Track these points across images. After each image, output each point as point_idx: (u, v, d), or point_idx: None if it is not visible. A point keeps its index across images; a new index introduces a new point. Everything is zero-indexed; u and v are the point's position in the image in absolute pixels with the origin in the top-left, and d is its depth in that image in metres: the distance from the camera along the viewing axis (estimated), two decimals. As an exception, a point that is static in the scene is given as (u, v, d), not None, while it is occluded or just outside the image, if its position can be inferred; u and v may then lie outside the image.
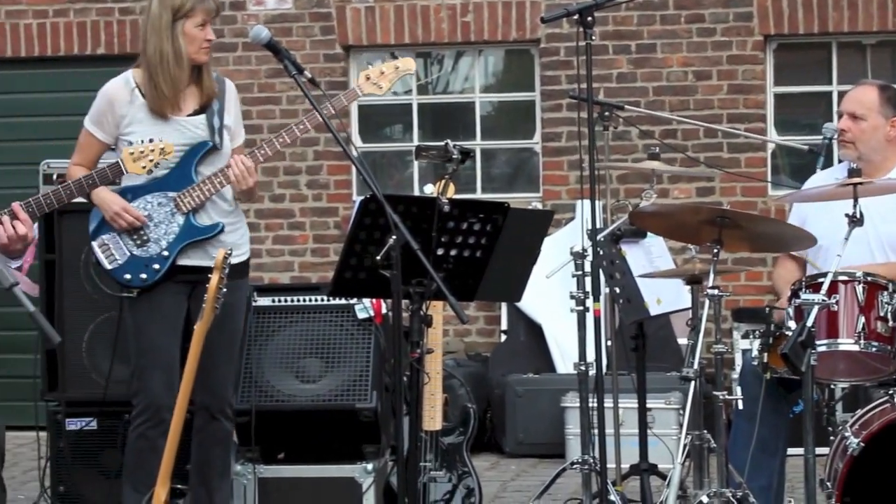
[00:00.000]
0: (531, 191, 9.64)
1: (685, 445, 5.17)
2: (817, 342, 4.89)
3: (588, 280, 5.64)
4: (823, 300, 4.88)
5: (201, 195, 5.42)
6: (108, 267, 5.42)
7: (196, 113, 5.47)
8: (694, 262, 5.54)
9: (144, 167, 4.85)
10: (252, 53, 9.50)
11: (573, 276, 5.76)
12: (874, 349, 5.06)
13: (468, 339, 9.47)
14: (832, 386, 5.47)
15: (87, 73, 9.78)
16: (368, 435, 6.20)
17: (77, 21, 9.80)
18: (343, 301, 6.21)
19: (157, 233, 5.42)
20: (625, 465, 6.10)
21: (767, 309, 5.36)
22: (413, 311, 4.61)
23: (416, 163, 9.75)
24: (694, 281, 5.36)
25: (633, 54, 9.37)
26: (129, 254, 5.42)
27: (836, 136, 5.79)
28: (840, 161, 5.94)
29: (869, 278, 5.10)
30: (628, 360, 6.05)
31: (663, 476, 5.77)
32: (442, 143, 5.23)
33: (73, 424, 6.27)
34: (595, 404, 5.51)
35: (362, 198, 4.57)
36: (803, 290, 5.07)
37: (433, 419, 5.79)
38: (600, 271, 5.61)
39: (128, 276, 5.41)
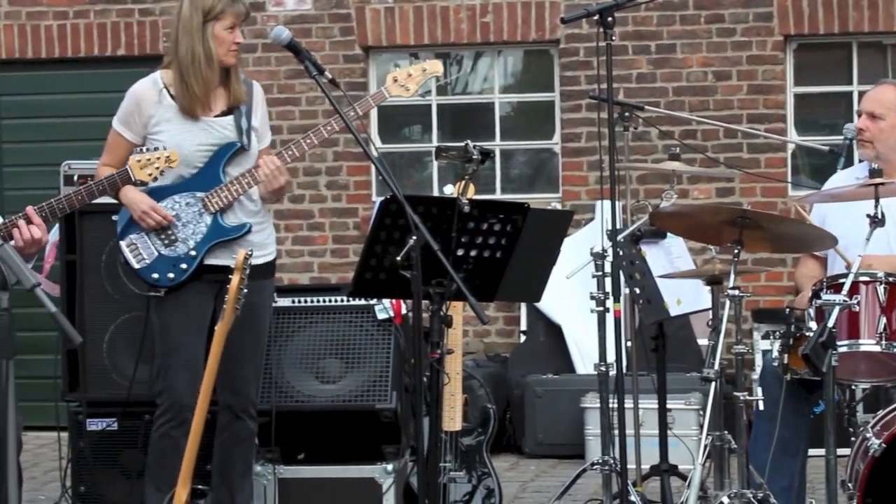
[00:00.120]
0: (550, 191, 9.64)
1: (706, 446, 5.16)
2: (838, 343, 4.88)
3: (608, 281, 5.64)
4: (844, 301, 4.87)
5: (229, 195, 5.43)
6: (136, 266, 5.44)
7: (224, 114, 5.49)
8: (714, 262, 5.53)
9: (150, 174, 4.87)
10: (272, 54, 9.52)
11: (593, 276, 5.76)
12: (896, 349, 5.05)
13: (487, 339, 9.47)
14: (853, 387, 5.46)
15: (106, 75, 9.82)
16: (388, 435, 6.20)
17: (97, 22, 9.83)
18: (363, 302, 6.21)
19: (184, 232, 5.44)
20: (645, 466, 6.09)
21: (788, 310, 5.34)
22: (433, 312, 4.60)
23: (435, 163, 9.75)
24: (714, 281, 5.35)
25: (653, 54, 9.36)
26: (156, 253, 5.44)
27: (856, 136, 5.78)
28: (860, 161, 5.93)
29: (891, 279, 5.08)
30: (648, 360, 6.04)
31: (683, 477, 5.76)
32: (462, 144, 5.23)
33: (94, 425, 6.29)
34: (615, 405, 5.50)
35: (383, 198, 4.57)
36: (824, 290, 5.06)
37: (453, 420, 5.79)
38: (620, 272, 5.60)
39: (155, 276, 5.42)
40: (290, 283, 9.22)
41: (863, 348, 5.05)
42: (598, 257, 5.73)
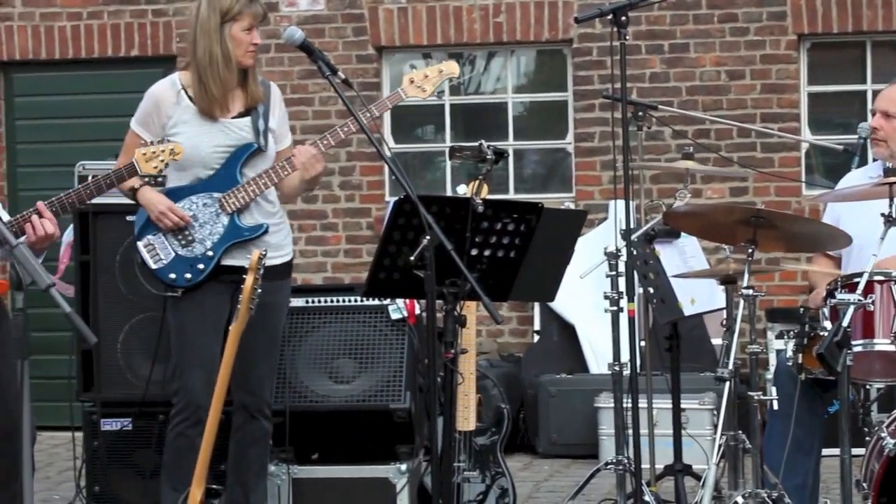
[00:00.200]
0: (564, 191, 9.63)
1: (720, 446, 5.15)
2: (853, 342, 4.87)
3: (622, 280, 5.63)
4: (859, 300, 4.86)
5: (246, 196, 5.44)
6: (154, 266, 5.45)
7: (241, 115, 5.50)
8: (728, 262, 5.52)
9: (156, 167, 4.87)
10: (284, 55, 9.52)
11: (607, 276, 5.75)
12: (911, 349, 5.03)
13: (501, 339, 9.47)
14: (868, 386, 5.45)
15: (120, 75, 9.84)
16: (402, 435, 6.20)
17: (111, 23, 9.85)
18: (376, 302, 6.21)
19: (201, 233, 5.45)
20: (659, 466, 6.08)
21: (802, 309, 5.33)
22: (447, 312, 4.60)
23: (448, 163, 9.75)
24: (728, 281, 5.34)
25: (666, 54, 9.35)
26: (174, 254, 5.45)
27: (870, 135, 5.77)
28: (874, 160, 5.92)
29: (905, 278, 5.07)
30: (662, 360, 6.04)
31: (697, 477, 5.76)
32: (476, 144, 5.23)
33: (108, 425, 6.30)
34: (629, 404, 5.49)
35: (396, 198, 4.57)
36: (839, 289, 5.05)
37: (467, 419, 5.79)
38: (634, 271, 5.60)
39: (172, 276, 5.43)
40: (304, 284, 9.22)
41: (877, 348, 5.03)
42: (612, 257, 5.72)
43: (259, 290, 4.94)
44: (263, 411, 5.59)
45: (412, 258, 4.42)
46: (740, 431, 5.23)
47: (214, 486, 5.21)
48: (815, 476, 5.55)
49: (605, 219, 9.05)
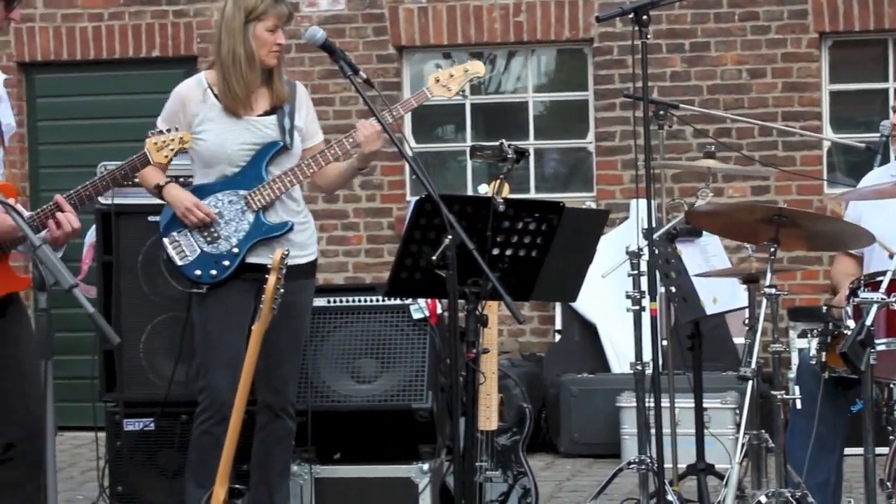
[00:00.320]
0: (585, 190, 9.62)
1: (743, 445, 5.14)
2: (876, 341, 4.85)
3: (644, 279, 5.62)
4: (883, 299, 4.84)
5: (272, 193, 5.46)
6: (179, 263, 5.47)
7: (267, 114, 5.51)
8: (750, 260, 5.51)
9: (166, 156, 4.88)
10: (305, 55, 9.53)
11: (629, 275, 5.75)
12: (934, 348, 5.01)
13: (522, 339, 9.46)
14: (891, 385, 5.42)
15: (141, 76, 9.87)
16: (424, 435, 6.20)
17: (132, 24, 9.87)
18: (398, 301, 6.21)
19: (227, 230, 5.46)
20: (681, 465, 6.07)
21: (824, 308, 5.32)
22: (469, 311, 4.60)
23: (469, 163, 9.75)
24: (750, 280, 5.33)
25: (687, 53, 9.34)
26: (199, 250, 5.47)
27: (892, 133, 5.76)
28: (896, 158, 5.91)
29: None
30: (684, 359, 6.03)
31: (720, 476, 5.75)
32: (497, 143, 5.22)
33: (131, 425, 6.31)
34: (651, 404, 5.49)
35: (418, 198, 4.57)
36: (862, 288, 5.03)
37: (489, 419, 5.78)
38: (656, 271, 5.59)
39: (198, 273, 5.45)
40: (325, 283, 9.23)
41: (901, 346, 5.02)
42: (634, 256, 5.72)
43: (282, 290, 4.95)
44: (288, 410, 5.60)
45: (434, 258, 4.42)
46: (763, 430, 5.22)
47: (238, 486, 5.22)
48: (838, 473, 5.54)
49: (626, 218, 9.04)
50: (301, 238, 5.54)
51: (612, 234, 8.47)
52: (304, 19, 9.57)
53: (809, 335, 5.35)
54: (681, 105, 6.27)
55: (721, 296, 5.85)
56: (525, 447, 5.97)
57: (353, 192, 9.64)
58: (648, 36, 5.32)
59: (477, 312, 4.58)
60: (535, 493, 5.94)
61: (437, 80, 5.59)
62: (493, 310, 5.52)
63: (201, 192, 5.47)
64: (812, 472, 5.31)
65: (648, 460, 5.66)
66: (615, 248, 6.11)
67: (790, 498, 5.06)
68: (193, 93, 5.51)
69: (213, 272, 5.43)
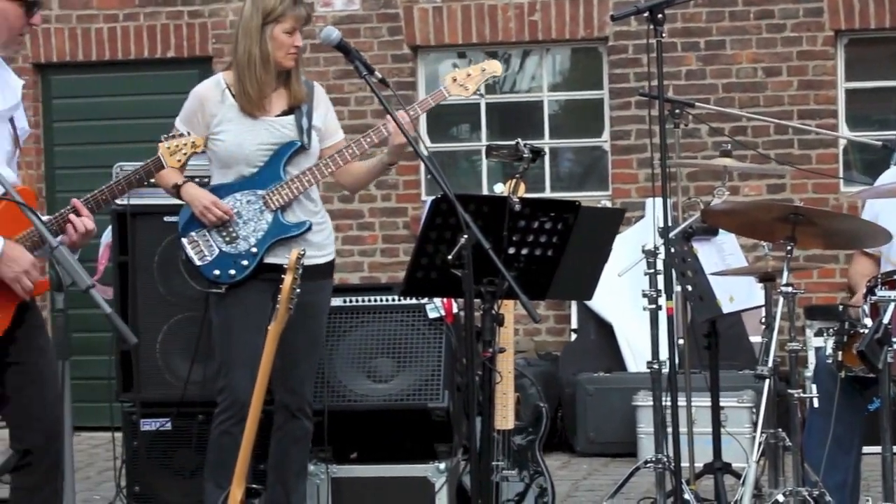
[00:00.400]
0: (600, 189, 9.61)
1: (760, 444, 5.14)
2: (894, 339, 4.85)
3: (660, 278, 5.61)
4: (900, 297, 4.83)
5: (290, 193, 5.46)
6: (198, 263, 5.48)
7: (285, 114, 5.52)
8: (766, 259, 5.50)
9: (179, 160, 4.88)
10: (320, 55, 9.54)
11: (645, 274, 5.74)
12: (952, 346, 5.00)
13: (538, 338, 9.46)
14: (909, 383, 5.42)
15: (156, 76, 9.88)
16: (441, 434, 6.20)
17: (147, 25, 9.89)
18: (414, 301, 6.21)
19: (245, 230, 5.47)
20: (698, 464, 6.07)
21: (841, 306, 5.31)
22: (485, 311, 4.60)
23: (484, 162, 9.75)
24: (767, 278, 5.32)
25: (703, 51, 9.32)
26: (218, 250, 5.48)
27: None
28: (914, 156, 5.89)
29: (946, 274, 5.04)
30: (700, 358, 6.02)
31: (737, 475, 5.74)
32: (512, 143, 5.22)
33: (148, 425, 6.32)
34: (668, 403, 5.48)
35: (433, 197, 4.57)
36: (879, 286, 5.02)
37: (505, 418, 5.78)
38: (672, 269, 5.58)
39: (216, 272, 5.46)
40: (341, 283, 9.23)
41: (919, 345, 5.00)
42: (650, 255, 5.71)
43: (298, 290, 4.95)
44: (305, 410, 5.61)
45: (450, 257, 4.41)
46: (780, 429, 5.21)
47: (255, 486, 5.22)
48: (856, 473, 5.53)
49: (641, 217, 9.04)
50: (319, 238, 5.54)
51: (628, 232, 8.45)
52: (319, 19, 9.58)
53: (826, 334, 5.34)
54: (696, 104, 6.26)
55: (737, 294, 5.84)
56: (541, 446, 5.97)
57: (369, 191, 9.64)
58: (664, 34, 5.31)
59: (493, 312, 4.57)
60: (551, 493, 5.93)
61: (455, 80, 5.59)
62: (509, 309, 5.53)
63: (219, 192, 5.48)
64: (829, 473, 5.30)
65: (665, 459, 5.65)
66: (631, 246, 6.10)
67: (808, 497, 5.05)
68: (212, 93, 5.52)
69: (232, 272, 5.44)
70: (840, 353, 5.17)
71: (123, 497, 6.46)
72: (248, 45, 5.42)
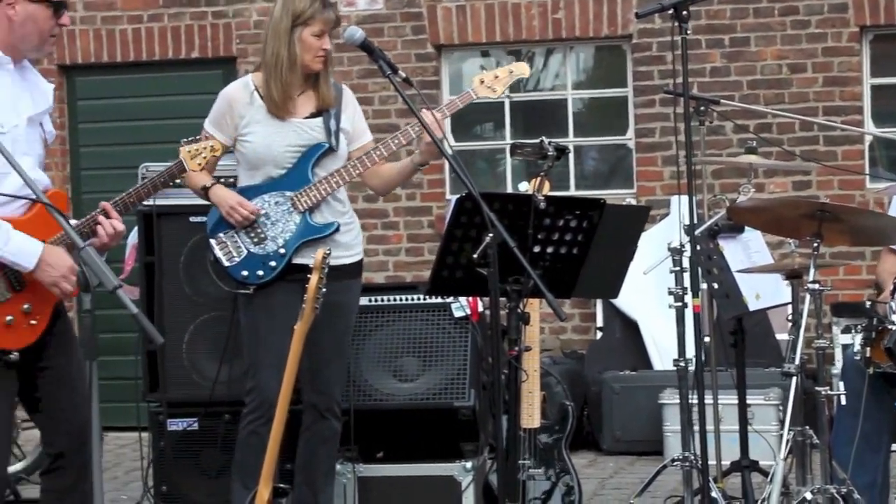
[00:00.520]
0: (625, 187, 9.60)
1: (787, 441, 5.12)
2: (922, 336, 4.83)
3: (686, 276, 5.60)
4: (928, 293, 4.82)
5: (318, 194, 5.47)
6: (226, 264, 5.49)
7: (313, 116, 5.52)
8: (793, 256, 5.48)
9: (199, 164, 4.91)
10: (344, 54, 9.54)
11: (671, 271, 5.73)
12: (980, 342, 4.98)
13: (564, 336, 9.45)
14: (937, 380, 5.40)
15: (181, 77, 9.91)
16: (467, 433, 6.19)
17: (171, 26, 9.91)
18: (439, 300, 6.21)
19: (273, 231, 5.48)
20: (725, 462, 6.05)
21: (868, 303, 5.29)
22: (510, 309, 4.59)
23: (509, 160, 9.75)
24: (793, 276, 5.30)
25: (727, 48, 9.30)
26: (246, 251, 5.49)
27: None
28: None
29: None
30: (727, 355, 6.00)
31: (764, 473, 5.72)
32: (537, 141, 5.21)
33: (174, 425, 6.33)
34: (694, 401, 5.47)
35: (458, 196, 4.56)
36: (907, 283, 5.00)
37: (531, 417, 5.78)
38: (698, 267, 5.56)
39: (245, 273, 5.47)
40: (367, 283, 9.21)
41: (947, 341, 4.98)
42: (676, 252, 5.70)
43: (324, 290, 4.95)
44: (333, 410, 5.61)
45: (475, 256, 4.42)
46: (808, 427, 5.20)
47: (282, 486, 5.22)
48: (885, 473, 5.50)
49: (666, 214, 9.02)
50: (346, 238, 5.54)
51: (653, 230, 8.44)
52: (343, 19, 9.51)
53: (853, 331, 5.33)
54: (721, 101, 6.25)
55: (764, 292, 5.83)
56: (568, 445, 5.96)
57: (393, 191, 9.62)
58: (688, 31, 5.30)
59: (518, 310, 4.57)
60: (578, 491, 5.92)
61: (482, 82, 5.59)
62: (535, 307, 5.52)
63: (247, 193, 5.49)
64: (858, 473, 5.27)
65: (692, 457, 5.64)
66: (656, 244, 6.09)
67: (836, 494, 5.04)
68: (240, 94, 5.53)
69: (260, 273, 5.45)
70: (868, 349, 5.15)
71: (150, 497, 6.47)
72: (277, 47, 5.43)
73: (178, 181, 5.30)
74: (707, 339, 5.97)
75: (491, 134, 9.99)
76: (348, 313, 5.59)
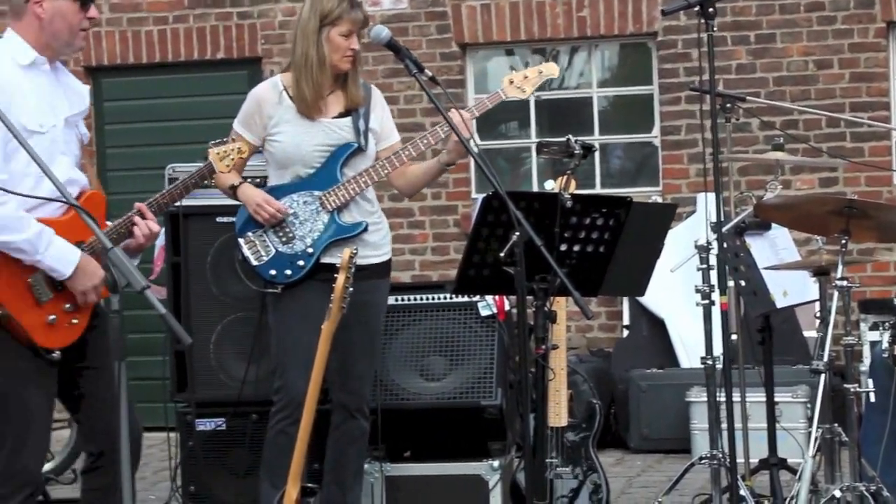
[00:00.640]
0: (651, 185, 9.59)
1: (816, 439, 5.10)
2: (951, 332, 4.81)
3: (713, 273, 5.59)
4: (956, 289, 4.79)
5: (346, 194, 5.47)
6: (255, 263, 5.50)
7: (342, 115, 5.53)
8: (820, 253, 5.47)
9: (228, 165, 4.95)
10: (369, 54, 9.53)
11: (698, 269, 5.71)
12: None
13: (590, 334, 9.44)
14: (966, 377, 5.37)
15: (207, 78, 9.93)
16: (494, 432, 6.19)
17: (196, 26, 9.94)
18: (466, 298, 6.20)
19: (302, 230, 5.49)
20: (753, 460, 6.03)
21: (896, 300, 5.28)
22: (537, 308, 4.59)
23: (534, 159, 9.74)
24: (821, 272, 5.28)
25: (753, 45, 9.28)
26: (274, 250, 5.50)
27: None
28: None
29: None
30: (754, 353, 5.99)
31: (793, 470, 5.71)
32: (563, 139, 5.20)
33: (202, 425, 6.35)
34: (722, 398, 5.45)
35: (485, 195, 4.56)
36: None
37: (558, 415, 5.77)
38: (725, 264, 5.55)
39: (273, 273, 5.48)
40: (393, 282, 9.21)
41: (976, 337, 4.96)
42: (703, 250, 5.68)
43: (351, 289, 4.96)
44: (363, 410, 5.61)
45: (502, 254, 4.42)
46: (836, 424, 5.18)
47: (310, 486, 5.23)
48: (915, 470, 5.48)
49: (692, 212, 9.00)
50: (375, 238, 5.55)
51: (679, 228, 8.43)
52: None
53: (881, 328, 5.31)
54: (747, 97, 6.23)
55: (791, 289, 5.81)
56: (595, 443, 5.95)
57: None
58: (714, 28, 5.28)
59: (545, 308, 4.57)
60: (605, 489, 5.91)
61: (511, 82, 5.58)
62: (562, 306, 5.51)
63: (276, 193, 5.50)
64: (886, 470, 5.26)
65: (720, 455, 5.62)
66: (682, 242, 6.09)
67: (865, 492, 5.02)
68: (269, 95, 5.54)
69: (288, 272, 5.46)
70: (895, 347, 5.13)
71: (178, 497, 6.49)
72: (306, 47, 5.43)
73: (205, 182, 5.33)
74: (734, 336, 5.95)
75: (516, 132, 9.99)
76: (377, 313, 5.59)
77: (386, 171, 5.50)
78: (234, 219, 5.62)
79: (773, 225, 5.87)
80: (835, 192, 8.98)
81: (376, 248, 5.54)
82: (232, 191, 5.50)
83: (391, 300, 6.25)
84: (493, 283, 4.62)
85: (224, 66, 9.92)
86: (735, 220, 5.75)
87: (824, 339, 5.03)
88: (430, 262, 9.69)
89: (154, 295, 3.80)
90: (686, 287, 5.93)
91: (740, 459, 5.83)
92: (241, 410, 6.23)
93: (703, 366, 5.77)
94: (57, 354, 4.52)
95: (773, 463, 5.90)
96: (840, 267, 5.06)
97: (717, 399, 5.64)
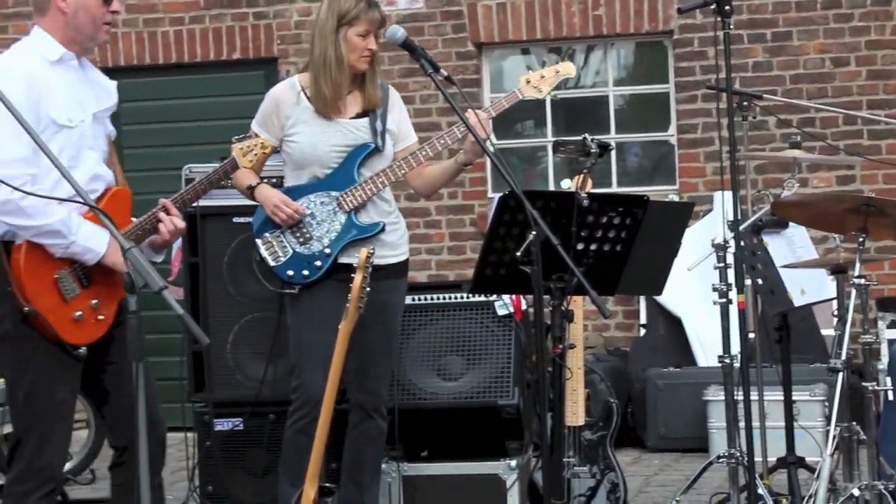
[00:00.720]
0: (667, 183, 9.57)
1: (834, 437, 5.09)
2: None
3: (731, 272, 5.58)
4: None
5: (363, 194, 5.48)
6: (272, 264, 5.51)
7: (359, 116, 5.53)
8: (838, 251, 5.45)
9: (251, 161, 4.96)
10: (385, 54, 9.45)
11: (715, 268, 5.71)
12: None
13: (607, 333, 9.43)
14: (985, 375, 5.36)
15: (223, 78, 9.94)
16: (511, 431, 6.19)
17: (213, 27, 9.95)
18: (483, 298, 6.20)
19: (319, 230, 5.49)
20: (771, 459, 6.02)
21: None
22: (554, 307, 4.59)
23: (550, 158, 9.73)
24: (838, 270, 5.27)
25: (769, 42, 9.26)
26: (292, 251, 5.50)
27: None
28: None
29: None
30: (772, 352, 5.98)
31: (811, 469, 5.70)
32: (580, 138, 5.20)
33: (220, 425, 6.36)
34: (740, 397, 5.45)
35: (501, 194, 4.56)
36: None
37: (575, 415, 5.77)
38: (742, 263, 5.54)
39: (290, 273, 5.48)
40: (409, 281, 9.23)
41: None
42: (720, 249, 5.68)
43: (368, 289, 4.96)
44: (380, 410, 5.62)
45: (518, 254, 4.41)
46: (854, 423, 5.17)
47: (328, 485, 5.24)
48: (933, 468, 5.47)
49: (709, 211, 8.99)
50: (392, 238, 5.55)
51: (696, 226, 8.41)
52: (383, 18, 9.58)
53: (899, 326, 5.29)
54: (764, 95, 6.22)
55: (809, 287, 5.80)
56: (612, 442, 5.95)
57: (435, 190, 9.64)
58: (730, 26, 5.27)
59: (562, 308, 4.56)
60: (623, 488, 5.91)
61: (528, 82, 5.58)
62: (579, 305, 5.51)
63: (293, 193, 5.51)
64: (904, 468, 5.25)
65: (738, 454, 5.61)
66: (699, 241, 6.07)
67: (883, 490, 5.01)
68: (287, 95, 5.54)
69: (306, 273, 5.46)
70: (914, 345, 5.13)
71: (196, 496, 6.50)
72: (324, 48, 5.44)
73: (224, 182, 5.35)
74: (752, 335, 5.94)
75: (532, 131, 9.98)
76: (395, 313, 5.59)
77: (403, 172, 5.50)
78: (251, 219, 5.63)
79: (791, 223, 5.86)
80: (852, 189, 8.96)
81: (394, 248, 5.54)
82: (249, 191, 5.51)
83: (408, 300, 6.25)
84: (509, 282, 4.62)
85: (240, 66, 9.93)
86: (752, 219, 5.74)
87: (842, 338, 5.02)
88: (447, 261, 9.69)
89: (171, 296, 3.81)
90: (703, 286, 5.92)
91: (758, 458, 5.82)
92: (259, 410, 6.24)
93: (720, 364, 5.76)
94: (83, 351, 4.55)
95: (791, 462, 5.89)
96: (857, 265, 5.05)
97: (735, 398, 5.63)
